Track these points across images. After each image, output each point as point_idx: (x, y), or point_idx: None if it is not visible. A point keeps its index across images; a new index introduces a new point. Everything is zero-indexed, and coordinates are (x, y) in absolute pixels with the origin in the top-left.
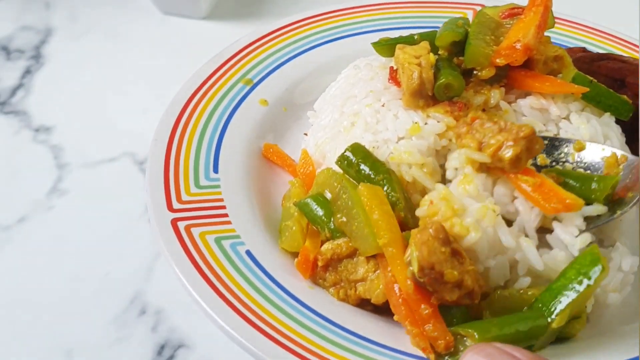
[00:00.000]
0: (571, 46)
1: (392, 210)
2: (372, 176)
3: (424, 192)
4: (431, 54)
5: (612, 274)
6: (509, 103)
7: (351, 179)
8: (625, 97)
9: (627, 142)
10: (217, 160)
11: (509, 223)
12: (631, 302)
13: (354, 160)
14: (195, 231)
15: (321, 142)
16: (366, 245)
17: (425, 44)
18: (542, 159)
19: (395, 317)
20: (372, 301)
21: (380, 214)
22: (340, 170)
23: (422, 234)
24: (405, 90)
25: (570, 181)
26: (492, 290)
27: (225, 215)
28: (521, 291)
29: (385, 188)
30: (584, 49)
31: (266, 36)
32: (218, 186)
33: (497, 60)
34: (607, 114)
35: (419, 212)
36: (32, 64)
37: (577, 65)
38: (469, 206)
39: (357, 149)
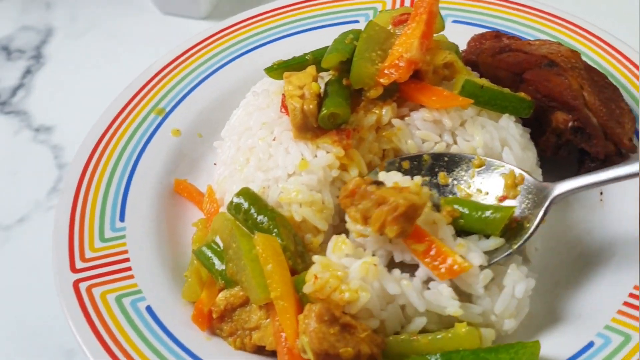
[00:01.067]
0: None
1: None
2: (260, 222)
3: (315, 230)
4: (314, 83)
5: (507, 300)
6: (403, 116)
7: (242, 226)
8: (522, 94)
9: (533, 137)
10: (124, 207)
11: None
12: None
13: (242, 207)
14: (97, 291)
15: (221, 179)
16: (254, 296)
17: (311, 70)
18: (442, 177)
19: None
20: (266, 348)
21: (273, 266)
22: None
23: (309, 320)
24: (291, 124)
25: (466, 211)
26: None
27: (129, 269)
28: (412, 338)
29: (274, 234)
30: (496, 34)
31: (177, 59)
32: (123, 237)
33: (381, 81)
34: (506, 115)
35: (306, 290)
36: (33, 64)
37: (482, 59)
38: (350, 266)
39: (245, 194)
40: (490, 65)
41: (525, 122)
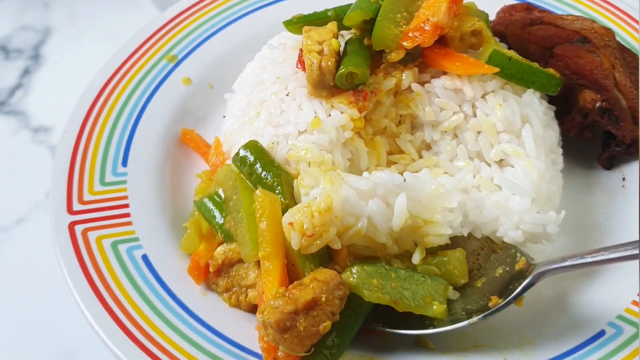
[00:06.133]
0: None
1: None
2: (264, 178)
3: None
4: (334, 40)
5: None
6: (424, 83)
7: (246, 180)
8: (551, 70)
9: (557, 116)
10: (127, 151)
11: None
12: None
13: (248, 160)
14: (92, 235)
15: (229, 132)
16: (245, 252)
17: (332, 26)
18: None
19: (256, 327)
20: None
21: (268, 225)
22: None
23: (273, 335)
24: (307, 80)
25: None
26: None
27: (127, 215)
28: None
29: (277, 192)
30: (527, 7)
31: (193, 6)
32: (124, 182)
33: (404, 44)
34: (530, 91)
35: (295, 245)
36: (31, 64)
37: (511, 31)
38: (313, 190)
39: (252, 147)
40: (519, 37)
41: (551, 100)
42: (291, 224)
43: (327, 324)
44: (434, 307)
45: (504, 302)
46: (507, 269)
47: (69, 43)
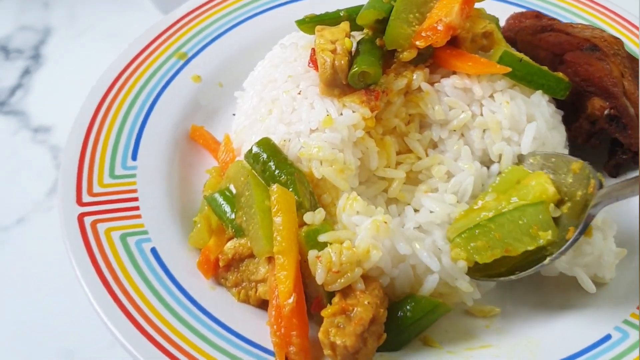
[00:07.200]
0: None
1: None
2: (278, 175)
3: (333, 190)
4: (347, 39)
5: None
6: (434, 83)
7: (258, 176)
8: (561, 74)
9: (565, 122)
10: (137, 146)
11: None
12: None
13: (261, 157)
14: (102, 227)
15: (240, 129)
16: (258, 247)
17: (345, 26)
18: None
19: (267, 322)
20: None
21: (283, 220)
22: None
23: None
24: (319, 79)
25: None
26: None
27: (136, 208)
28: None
29: (290, 190)
30: (537, 14)
31: (205, 4)
32: (134, 175)
33: (417, 43)
34: (539, 93)
35: (320, 279)
36: (31, 64)
37: (521, 37)
38: (359, 224)
39: (265, 144)
40: (529, 43)
41: (559, 105)
42: (318, 257)
43: (384, 336)
44: (540, 240)
45: (573, 238)
46: (584, 192)
47: (69, 43)
